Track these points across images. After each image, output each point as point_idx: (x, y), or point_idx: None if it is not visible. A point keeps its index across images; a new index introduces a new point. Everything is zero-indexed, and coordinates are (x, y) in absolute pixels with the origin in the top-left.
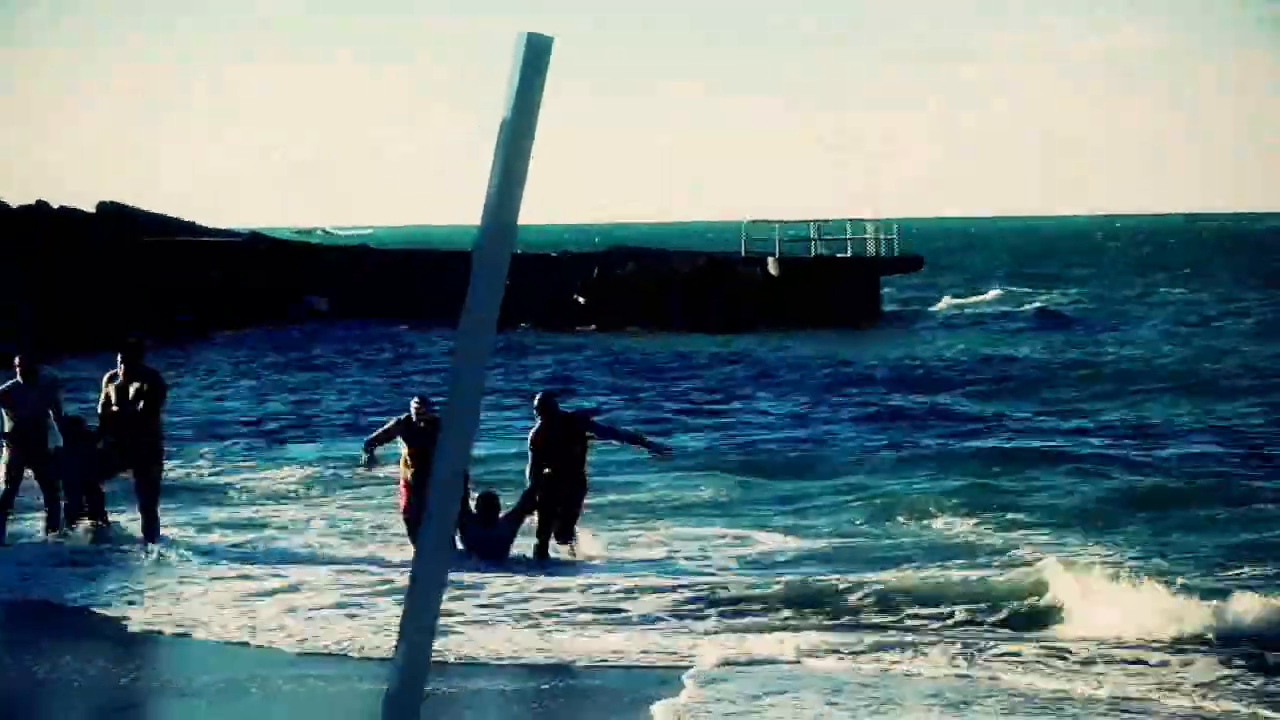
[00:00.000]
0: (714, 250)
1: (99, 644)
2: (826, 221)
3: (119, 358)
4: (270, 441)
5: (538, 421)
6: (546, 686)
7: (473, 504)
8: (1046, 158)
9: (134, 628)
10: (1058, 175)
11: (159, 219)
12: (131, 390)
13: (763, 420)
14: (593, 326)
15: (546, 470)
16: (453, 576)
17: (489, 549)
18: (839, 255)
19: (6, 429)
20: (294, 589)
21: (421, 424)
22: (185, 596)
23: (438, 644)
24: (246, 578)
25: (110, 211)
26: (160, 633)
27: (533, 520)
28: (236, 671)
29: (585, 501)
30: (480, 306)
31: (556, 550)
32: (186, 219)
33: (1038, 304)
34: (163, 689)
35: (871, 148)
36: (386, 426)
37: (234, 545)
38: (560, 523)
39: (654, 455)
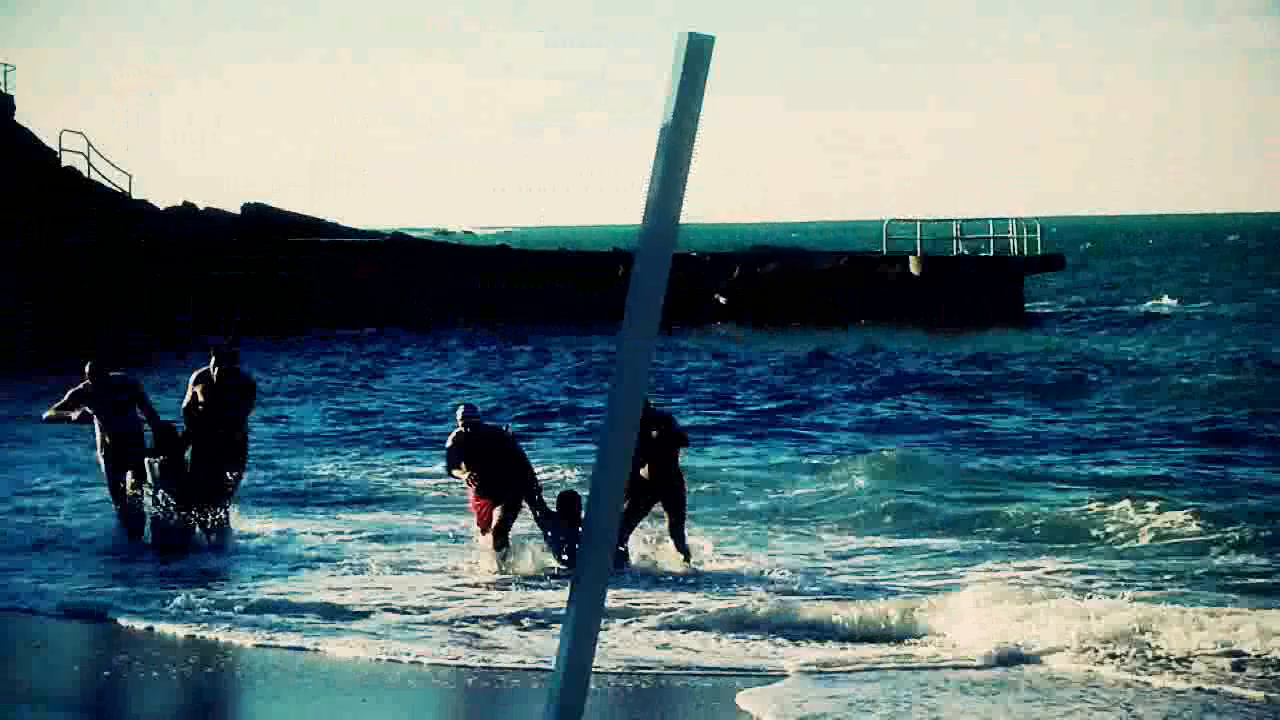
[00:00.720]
0: (854, 249)
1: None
2: (969, 220)
3: (211, 360)
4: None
5: None
6: (633, 687)
7: (552, 504)
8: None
9: (198, 635)
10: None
11: (302, 219)
12: (221, 392)
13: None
14: (733, 324)
15: (636, 472)
16: (532, 579)
17: (572, 549)
18: (981, 254)
19: (99, 441)
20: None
21: (469, 430)
22: (268, 601)
23: (519, 646)
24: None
25: (254, 212)
26: (239, 646)
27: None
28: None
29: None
30: (643, 307)
31: (645, 557)
32: (330, 219)
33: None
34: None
35: (993, 149)
36: (449, 448)
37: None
38: (670, 530)
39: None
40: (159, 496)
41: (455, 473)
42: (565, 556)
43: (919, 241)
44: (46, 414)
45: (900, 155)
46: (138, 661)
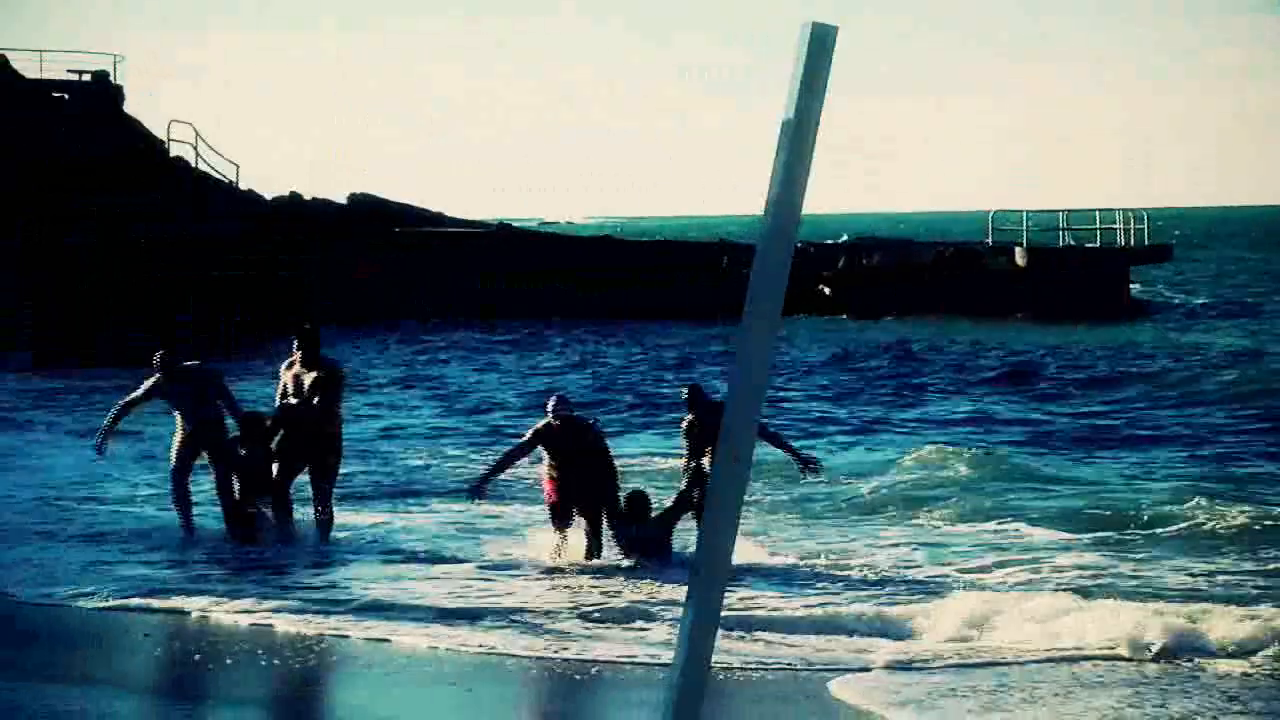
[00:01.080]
0: (958, 240)
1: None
2: (1075, 210)
3: (294, 345)
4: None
5: (689, 416)
6: (724, 680)
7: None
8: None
9: (286, 628)
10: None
11: (409, 210)
12: (307, 380)
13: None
14: (844, 316)
15: (698, 464)
16: (603, 573)
17: (646, 549)
18: (1088, 245)
19: (178, 433)
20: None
21: (558, 423)
22: (368, 600)
23: (581, 644)
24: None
25: (362, 202)
26: (345, 636)
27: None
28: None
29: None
30: (764, 299)
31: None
32: (434, 210)
33: None
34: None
35: (1092, 139)
36: (526, 438)
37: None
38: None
39: (804, 468)
40: (234, 487)
41: (503, 468)
42: (631, 556)
43: (1024, 232)
44: (112, 413)
45: (1002, 144)
46: (234, 654)
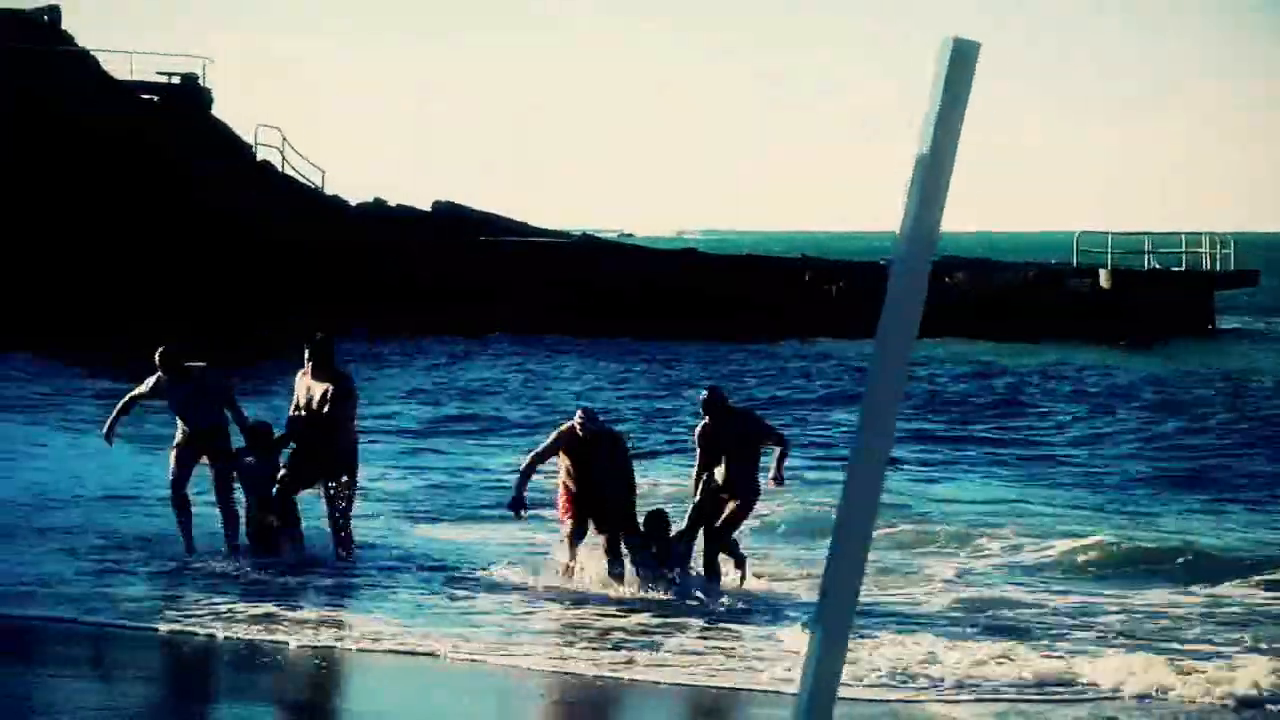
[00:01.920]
0: (1041, 261)
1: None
2: (1160, 234)
3: (306, 354)
4: None
5: (704, 420)
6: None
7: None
8: None
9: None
10: None
11: (493, 218)
12: (318, 393)
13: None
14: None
15: (711, 476)
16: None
17: (665, 571)
18: (1173, 268)
19: (178, 439)
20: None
21: (585, 436)
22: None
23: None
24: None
25: (445, 210)
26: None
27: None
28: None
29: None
30: (899, 318)
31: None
32: (518, 219)
33: None
34: None
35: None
36: (549, 440)
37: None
38: (719, 535)
39: (774, 480)
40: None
41: (532, 470)
42: (649, 577)
43: (1109, 254)
44: (119, 405)
45: (1086, 166)
46: (275, 674)
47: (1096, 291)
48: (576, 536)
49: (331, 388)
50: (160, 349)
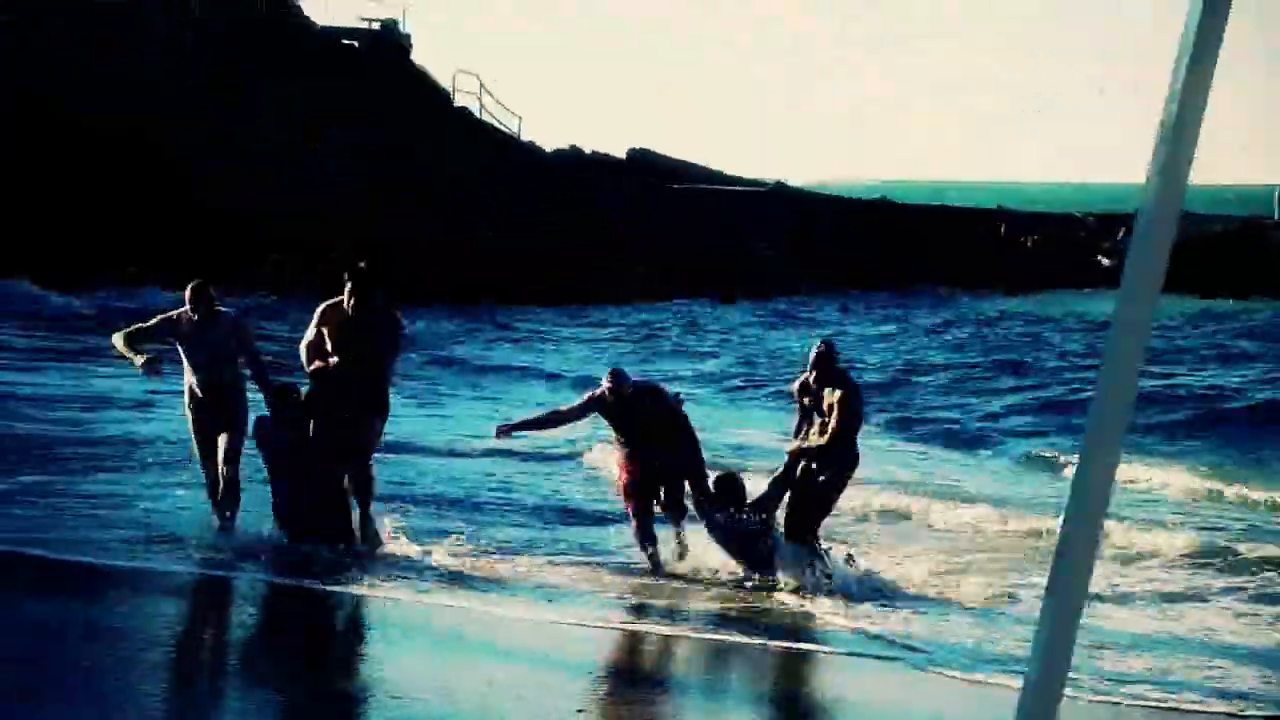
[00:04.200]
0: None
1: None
2: None
3: (347, 287)
4: None
5: (808, 373)
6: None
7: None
8: None
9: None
10: None
11: (685, 166)
12: (355, 334)
13: None
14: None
15: (803, 443)
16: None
17: (742, 543)
18: None
19: (186, 392)
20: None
21: (613, 399)
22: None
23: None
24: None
25: (639, 157)
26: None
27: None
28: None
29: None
30: (1144, 275)
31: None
32: (714, 167)
33: None
34: None
35: None
36: (579, 402)
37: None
38: (809, 514)
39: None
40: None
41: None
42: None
43: None
44: (117, 339)
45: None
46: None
47: None
48: (642, 513)
49: (374, 329)
50: (194, 281)
